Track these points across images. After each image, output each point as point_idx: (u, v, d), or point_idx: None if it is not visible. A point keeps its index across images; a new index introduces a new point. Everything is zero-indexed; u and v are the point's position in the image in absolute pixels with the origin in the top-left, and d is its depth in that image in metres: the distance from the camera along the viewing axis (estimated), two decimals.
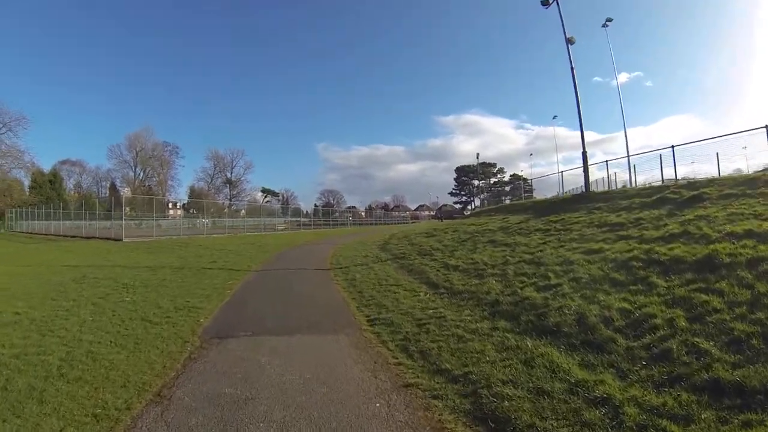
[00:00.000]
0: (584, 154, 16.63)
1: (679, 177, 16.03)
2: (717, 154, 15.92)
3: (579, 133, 16.98)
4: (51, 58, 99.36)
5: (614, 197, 13.37)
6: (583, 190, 16.71)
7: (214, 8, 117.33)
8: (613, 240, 8.52)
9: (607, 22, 30.07)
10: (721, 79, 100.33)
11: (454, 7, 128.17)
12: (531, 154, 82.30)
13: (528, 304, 6.31)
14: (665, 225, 8.37)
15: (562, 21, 17.29)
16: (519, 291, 6.98)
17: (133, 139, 72.13)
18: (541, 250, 9.35)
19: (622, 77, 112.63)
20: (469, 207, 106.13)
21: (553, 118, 60.37)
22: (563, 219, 12.34)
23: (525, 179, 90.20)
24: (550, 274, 7.39)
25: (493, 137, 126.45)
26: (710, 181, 11.46)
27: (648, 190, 12.96)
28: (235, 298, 8.30)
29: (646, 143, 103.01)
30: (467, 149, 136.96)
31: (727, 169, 16.63)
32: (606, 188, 22.46)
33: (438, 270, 10.24)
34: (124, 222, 27.63)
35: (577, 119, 16.76)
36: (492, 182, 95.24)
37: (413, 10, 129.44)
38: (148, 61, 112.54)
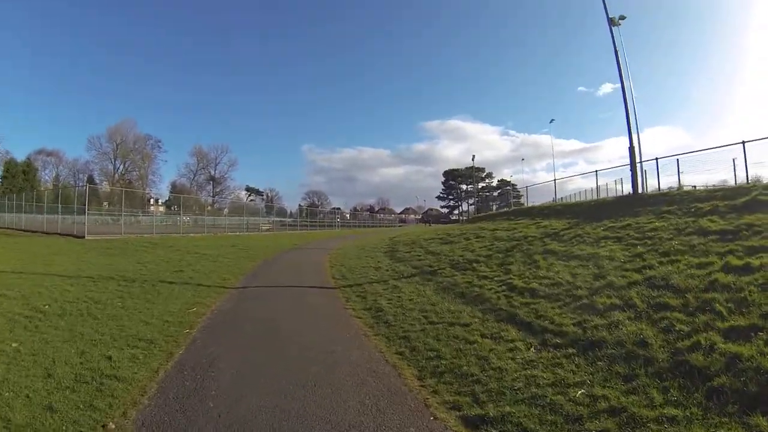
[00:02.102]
0: (631, 149, 13.75)
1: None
2: (733, 160, 14.15)
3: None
4: (34, 48, 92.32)
5: (680, 200, 10.64)
6: (631, 192, 13.86)
7: (204, 5, 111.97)
8: (749, 253, 5.78)
9: (619, 20, 27.52)
10: (706, 92, 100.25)
11: (442, 14, 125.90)
12: (523, 159, 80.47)
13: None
14: None
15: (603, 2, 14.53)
16: (706, 342, 3.88)
17: (114, 131, 66.80)
18: (649, 267, 6.37)
19: (607, 87, 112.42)
20: (455, 212, 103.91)
21: (551, 122, 57.99)
22: (630, 224, 9.54)
23: (513, 185, 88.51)
24: (721, 309, 4.39)
25: (478, 143, 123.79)
26: None
27: (721, 192, 10.21)
28: (193, 354, 4.81)
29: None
30: (452, 154, 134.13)
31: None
32: (617, 194, 20.36)
33: (504, 295, 7.08)
34: (87, 217, 23.64)
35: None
36: (480, 187, 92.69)
37: (403, 11, 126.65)
38: (133, 52, 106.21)
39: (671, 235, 7.83)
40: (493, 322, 5.95)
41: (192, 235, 26.88)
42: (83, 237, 20.76)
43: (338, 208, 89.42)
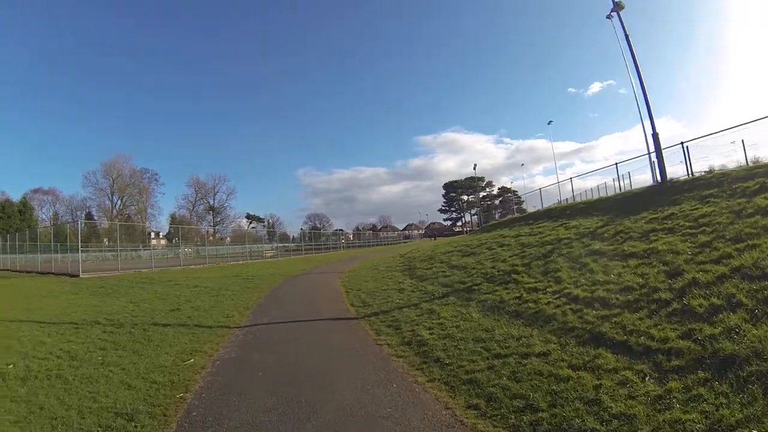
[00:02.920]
0: (655, 135, 12.68)
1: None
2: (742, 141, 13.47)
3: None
4: (23, 87, 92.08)
5: (718, 183, 9.53)
6: (659, 180, 12.64)
7: (188, 31, 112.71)
8: None
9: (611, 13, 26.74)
10: (694, 81, 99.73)
11: (429, 27, 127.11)
12: (522, 164, 79.14)
13: None
14: None
15: None
16: None
17: (110, 166, 65.91)
18: (728, 256, 5.46)
19: (595, 86, 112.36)
20: (458, 223, 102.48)
21: (549, 123, 56.99)
22: (675, 213, 8.56)
23: (515, 191, 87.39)
24: None
25: (474, 153, 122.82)
26: None
27: (762, 169, 8.99)
28: None
29: (623, 148, 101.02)
30: (448, 167, 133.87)
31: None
32: (617, 191, 19.12)
33: (570, 309, 5.83)
34: (81, 255, 22.30)
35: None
36: (482, 196, 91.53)
37: (390, 27, 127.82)
38: (123, 85, 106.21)
39: (730, 219, 6.84)
40: (577, 347, 4.62)
41: (193, 266, 25.49)
42: (77, 276, 19.42)
43: (341, 230, 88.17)
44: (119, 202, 67.42)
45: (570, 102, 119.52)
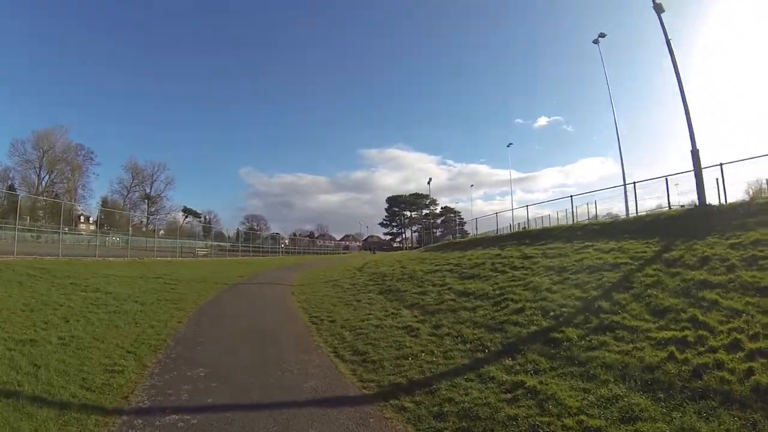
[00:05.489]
0: (695, 152, 10.51)
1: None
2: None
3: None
4: None
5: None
6: (697, 203, 10.66)
7: (143, 11, 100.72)
8: None
9: (599, 38, 25.94)
10: (637, 125, 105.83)
11: (382, 41, 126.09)
12: (472, 185, 75.60)
13: None
14: None
15: None
16: None
17: (42, 137, 54.20)
18: None
19: (542, 120, 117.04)
20: (398, 239, 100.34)
21: (508, 145, 56.06)
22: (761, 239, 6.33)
23: (457, 212, 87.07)
24: None
25: (415, 172, 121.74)
26: None
27: None
28: None
29: (563, 182, 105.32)
30: (389, 182, 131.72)
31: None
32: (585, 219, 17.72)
33: None
34: None
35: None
36: (424, 214, 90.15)
37: (343, 39, 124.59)
38: (66, 52, 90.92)
39: None
40: None
41: (111, 258, 19.64)
42: None
43: (278, 234, 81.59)
44: (47, 177, 56.27)
45: (517, 132, 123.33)
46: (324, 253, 69.49)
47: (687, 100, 10.80)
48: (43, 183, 55.75)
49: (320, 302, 10.30)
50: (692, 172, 10.65)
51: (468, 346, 5.66)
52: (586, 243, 10.40)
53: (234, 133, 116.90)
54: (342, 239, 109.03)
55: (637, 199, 17.50)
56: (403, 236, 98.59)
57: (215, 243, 41.52)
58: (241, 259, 34.27)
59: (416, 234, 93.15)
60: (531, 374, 4.37)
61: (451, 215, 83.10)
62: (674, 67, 10.98)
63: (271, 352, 5.78)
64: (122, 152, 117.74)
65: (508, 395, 3.93)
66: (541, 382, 4.13)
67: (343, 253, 73.92)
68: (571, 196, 21.04)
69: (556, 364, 4.61)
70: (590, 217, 22.29)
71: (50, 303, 7.59)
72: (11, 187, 52.57)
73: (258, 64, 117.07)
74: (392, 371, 4.93)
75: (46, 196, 48.77)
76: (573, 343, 4.95)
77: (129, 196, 66.22)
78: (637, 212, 16.55)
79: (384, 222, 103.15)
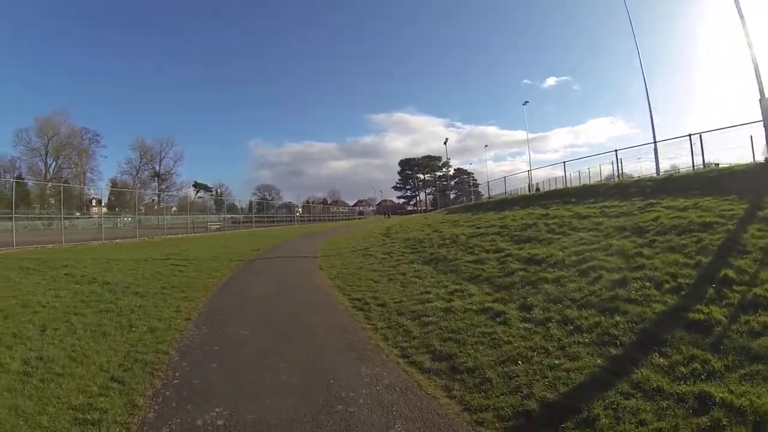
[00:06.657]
0: (763, 101, 8.40)
1: None
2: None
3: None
4: None
5: None
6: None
7: None
8: None
9: None
10: (641, 87, 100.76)
11: (391, 11, 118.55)
12: (486, 145, 74.56)
13: None
14: None
15: None
16: None
17: (45, 123, 52.71)
18: None
19: (551, 80, 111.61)
20: (411, 202, 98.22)
21: (524, 104, 52.42)
22: None
23: (470, 174, 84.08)
24: None
25: (424, 135, 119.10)
26: None
27: None
28: None
29: (573, 142, 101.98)
30: (398, 146, 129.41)
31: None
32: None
33: None
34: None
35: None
36: (437, 176, 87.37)
37: (348, 8, 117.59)
38: (68, 42, 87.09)
39: None
40: None
41: (118, 240, 18.38)
42: None
43: (291, 202, 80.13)
44: (54, 164, 54.84)
45: (524, 94, 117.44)
46: (339, 219, 68.25)
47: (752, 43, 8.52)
48: (51, 170, 54.68)
49: (356, 278, 8.66)
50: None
51: (588, 336, 3.98)
52: (650, 200, 8.79)
53: (242, 107, 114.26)
54: (355, 204, 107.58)
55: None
56: (417, 199, 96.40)
57: (228, 216, 40.25)
58: (255, 230, 32.92)
59: (430, 197, 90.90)
60: (707, 379, 2.90)
61: (465, 177, 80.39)
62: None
63: (313, 362, 4.11)
64: (128, 132, 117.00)
65: (702, 419, 2.44)
66: (731, 392, 2.63)
67: (359, 218, 72.65)
68: (616, 150, 19.21)
69: (729, 360, 3.03)
70: (615, 176, 20.11)
71: (31, 304, 6.06)
72: (19, 177, 51.56)
73: (258, 33, 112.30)
74: (506, 387, 3.30)
75: (54, 184, 47.82)
76: (727, 328, 3.43)
77: (138, 175, 65.02)
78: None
79: (397, 185, 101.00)
